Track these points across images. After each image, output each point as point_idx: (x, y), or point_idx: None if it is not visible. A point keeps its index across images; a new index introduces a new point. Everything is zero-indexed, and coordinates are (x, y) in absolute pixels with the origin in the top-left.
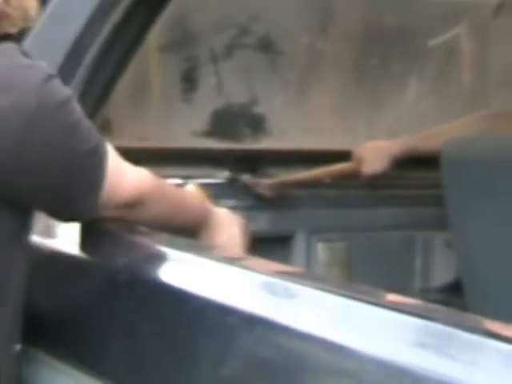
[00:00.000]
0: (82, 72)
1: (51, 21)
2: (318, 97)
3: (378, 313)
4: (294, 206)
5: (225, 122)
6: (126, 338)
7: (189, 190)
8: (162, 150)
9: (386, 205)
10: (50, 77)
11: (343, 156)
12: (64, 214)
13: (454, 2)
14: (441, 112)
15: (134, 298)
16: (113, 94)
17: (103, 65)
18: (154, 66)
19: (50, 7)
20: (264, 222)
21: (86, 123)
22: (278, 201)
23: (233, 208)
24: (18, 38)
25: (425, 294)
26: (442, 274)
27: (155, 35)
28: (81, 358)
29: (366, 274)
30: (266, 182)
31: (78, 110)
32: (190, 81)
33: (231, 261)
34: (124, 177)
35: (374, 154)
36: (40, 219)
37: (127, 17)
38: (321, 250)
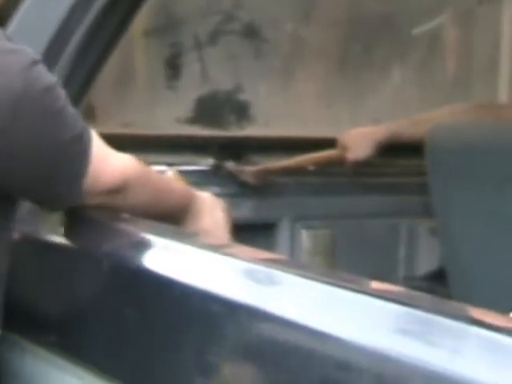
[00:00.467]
0: (66, 57)
1: (35, 5)
2: (302, 84)
3: (360, 300)
4: (278, 193)
5: (209, 108)
6: (109, 326)
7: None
8: (146, 136)
9: (370, 192)
10: (35, 62)
11: (327, 143)
12: (48, 202)
13: None
14: (424, 100)
15: (118, 285)
16: (97, 80)
17: (88, 50)
18: (139, 52)
19: None
20: (248, 210)
21: (71, 110)
22: (262, 188)
23: (217, 195)
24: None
25: (409, 281)
26: (426, 262)
27: (140, 21)
28: (64, 345)
29: (350, 262)
30: (250, 169)
31: (62, 96)
32: (174, 67)
33: (214, 248)
34: (108, 163)
35: (359, 140)
36: (24, 207)
37: (112, 2)
38: (305, 237)
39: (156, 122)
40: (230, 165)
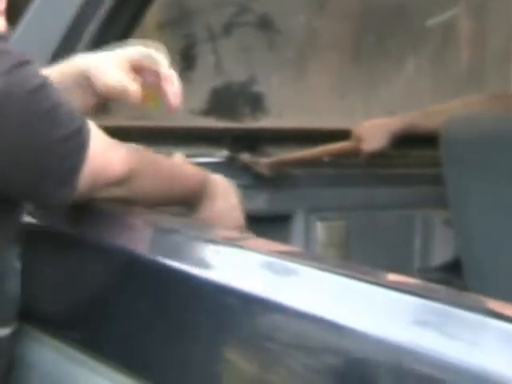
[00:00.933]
0: (79, 51)
1: (47, 1)
2: (315, 75)
3: (377, 292)
4: (292, 185)
5: (223, 100)
6: (123, 319)
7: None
8: (160, 128)
9: (385, 183)
10: (20, 64)
11: (341, 135)
12: (46, 201)
13: None
14: (438, 91)
15: (132, 278)
16: None
17: (101, 44)
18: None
19: None
20: (262, 202)
21: (63, 107)
22: (277, 180)
23: None
24: None
25: (424, 273)
26: (441, 253)
27: (153, 13)
28: (78, 337)
29: (364, 253)
30: (265, 160)
31: (52, 95)
32: (187, 59)
33: (229, 240)
34: (111, 155)
35: (373, 131)
36: None
37: None
38: (320, 229)
39: (169, 114)
40: (245, 156)
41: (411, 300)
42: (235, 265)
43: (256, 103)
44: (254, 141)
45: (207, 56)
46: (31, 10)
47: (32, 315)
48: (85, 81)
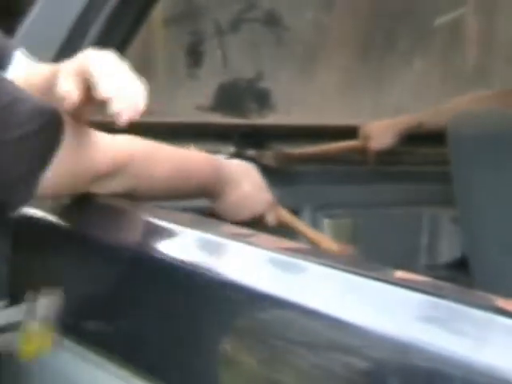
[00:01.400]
0: (85, 47)
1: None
2: (323, 72)
3: (384, 289)
4: (299, 181)
5: (230, 96)
6: (130, 315)
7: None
8: (167, 124)
9: (392, 181)
10: None
11: (349, 132)
12: (9, 203)
13: None
14: (446, 89)
15: (139, 274)
16: None
17: (107, 40)
18: (159, 40)
19: None
20: None
21: (22, 104)
22: (284, 176)
23: None
24: None
25: (431, 270)
26: (448, 251)
27: (160, 9)
28: (80, 333)
29: (372, 251)
30: (272, 153)
31: (7, 91)
32: (195, 55)
33: (237, 237)
34: (93, 148)
35: (381, 130)
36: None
37: None
38: (327, 226)
39: (177, 110)
40: (251, 153)
41: (418, 297)
42: (242, 261)
43: (263, 100)
44: (260, 137)
45: (214, 52)
46: (35, 9)
47: None
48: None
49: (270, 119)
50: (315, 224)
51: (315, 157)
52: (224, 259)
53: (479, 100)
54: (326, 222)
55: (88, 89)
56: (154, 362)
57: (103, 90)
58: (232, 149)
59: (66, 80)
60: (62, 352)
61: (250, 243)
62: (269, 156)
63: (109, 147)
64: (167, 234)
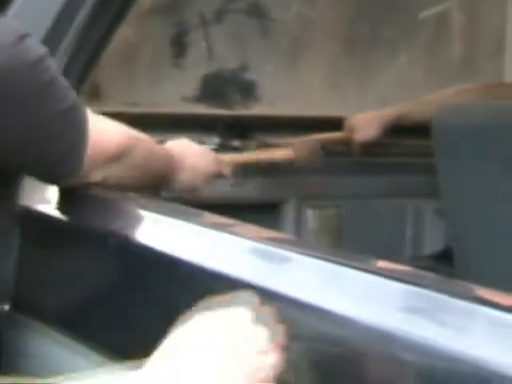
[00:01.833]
0: (70, 36)
1: None
2: (308, 64)
3: (367, 279)
4: (284, 172)
5: (215, 87)
6: (113, 304)
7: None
8: (152, 115)
9: (377, 172)
10: (22, 36)
11: (333, 123)
12: (51, 175)
13: None
14: (431, 81)
15: (122, 263)
16: (102, 58)
17: (92, 29)
18: (144, 30)
19: None
20: (254, 189)
21: (62, 81)
22: (268, 167)
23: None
24: None
25: (415, 261)
26: (432, 242)
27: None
28: (67, 322)
29: (356, 242)
30: (256, 144)
31: (52, 68)
32: (179, 46)
33: (220, 226)
34: (106, 133)
35: (366, 122)
36: (28, 185)
37: None
38: (311, 217)
39: (161, 101)
40: (236, 144)
41: (400, 287)
42: (225, 251)
43: (248, 91)
44: (245, 128)
45: (199, 43)
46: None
47: (21, 300)
48: None
49: (255, 110)
50: (300, 215)
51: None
52: (206, 248)
53: (463, 92)
54: (310, 212)
55: None
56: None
57: None
58: (216, 139)
59: None
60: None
61: (232, 233)
62: (253, 146)
63: (114, 132)
64: (150, 222)
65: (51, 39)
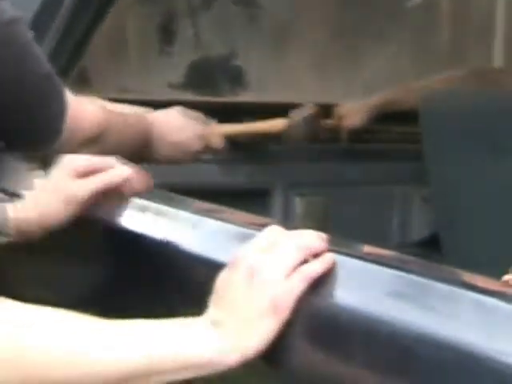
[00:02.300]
0: (58, 23)
1: None
2: (296, 51)
3: (352, 263)
4: (271, 159)
5: (203, 74)
6: (98, 288)
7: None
8: (140, 102)
9: (364, 159)
10: None
11: (321, 110)
12: (32, 141)
13: None
14: (419, 68)
15: (109, 248)
16: (90, 45)
17: (81, 16)
18: (133, 18)
19: None
20: (241, 176)
21: (37, 48)
22: (256, 154)
23: (210, 162)
24: None
25: (402, 248)
26: (419, 229)
27: None
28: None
29: (343, 229)
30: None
31: (28, 32)
32: (167, 33)
33: (206, 212)
34: (84, 111)
35: (354, 109)
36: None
37: None
38: (298, 204)
39: (149, 88)
40: None
41: (386, 271)
42: (212, 236)
43: (235, 77)
44: (232, 115)
45: (187, 30)
46: None
47: None
48: None
49: (242, 97)
50: (287, 202)
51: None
52: (194, 234)
53: (450, 79)
54: (297, 200)
55: None
56: None
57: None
58: None
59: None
60: None
61: (219, 218)
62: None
63: (93, 108)
64: (137, 208)
65: (39, 25)
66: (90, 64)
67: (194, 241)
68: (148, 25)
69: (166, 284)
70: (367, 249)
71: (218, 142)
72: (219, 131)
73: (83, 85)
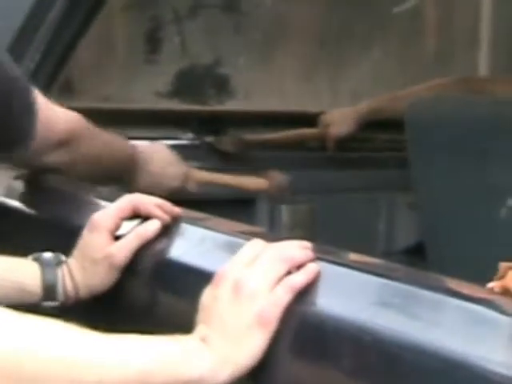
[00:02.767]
0: (43, 32)
1: None
2: (282, 58)
3: (337, 271)
4: (258, 167)
5: (188, 82)
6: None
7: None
8: (125, 110)
9: (350, 167)
10: None
11: (307, 118)
12: (9, 150)
13: None
14: (405, 75)
15: None
16: (75, 54)
17: (66, 24)
18: (118, 26)
19: None
20: None
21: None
22: (242, 162)
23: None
24: None
25: (388, 255)
26: (404, 236)
27: None
28: None
29: (329, 236)
30: (230, 138)
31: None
32: (153, 41)
33: (193, 220)
34: (57, 114)
35: (341, 117)
36: None
37: None
38: (284, 212)
39: (135, 96)
40: (209, 139)
41: (371, 279)
42: (198, 244)
43: (222, 86)
44: (219, 123)
45: (173, 38)
46: None
47: None
48: None
49: (229, 105)
50: (273, 210)
51: (274, 143)
52: (179, 242)
53: (436, 86)
54: (283, 207)
55: None
56: None
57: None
58: (190, 135)
59: None
60: None
61: (205, 226)
62: (227, 142)
63: (65, 116)
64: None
65: (23, 36)
66: (75, 72)
67: (179, 248)
68: (134, 33)
69: (148, 292)
70: (353, 257)
71: (193, 187)
72: (199, 176)
73: (67, 93)
